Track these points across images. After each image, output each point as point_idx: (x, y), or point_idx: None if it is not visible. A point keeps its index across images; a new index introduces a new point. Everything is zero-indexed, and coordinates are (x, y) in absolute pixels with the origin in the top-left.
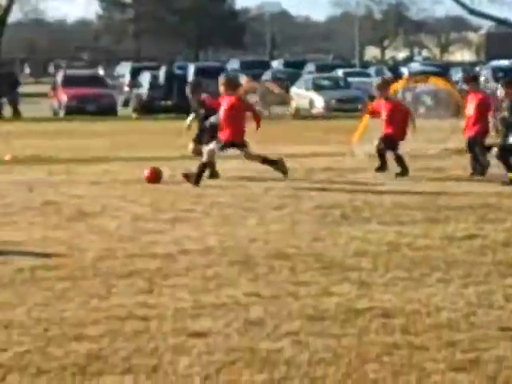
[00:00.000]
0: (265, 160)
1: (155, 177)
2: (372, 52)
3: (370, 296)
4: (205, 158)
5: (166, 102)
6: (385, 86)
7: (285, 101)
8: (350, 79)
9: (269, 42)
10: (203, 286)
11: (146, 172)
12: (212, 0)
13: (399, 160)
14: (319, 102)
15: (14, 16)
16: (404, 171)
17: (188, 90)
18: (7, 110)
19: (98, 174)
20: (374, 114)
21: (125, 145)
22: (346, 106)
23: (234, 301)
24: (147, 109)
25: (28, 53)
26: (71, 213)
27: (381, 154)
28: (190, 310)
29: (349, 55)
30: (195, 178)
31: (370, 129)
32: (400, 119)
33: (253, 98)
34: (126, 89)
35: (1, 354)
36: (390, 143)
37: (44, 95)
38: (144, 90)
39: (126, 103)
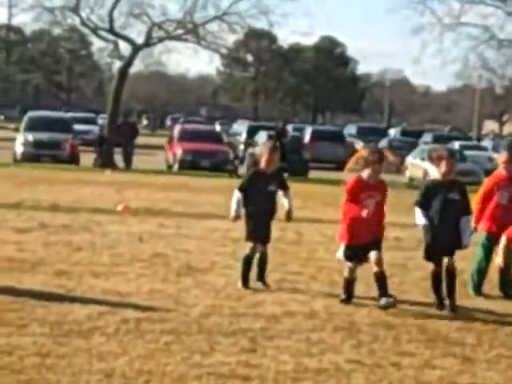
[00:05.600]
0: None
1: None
2: (490, 126)
3: (473, 372)
4: None
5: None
6: None
7: (399, 170)
8: (466, 152)
9: (387, 109)
10: (306, 349)
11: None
12: (334, 64)
13: None
14: (433, 173)
15: (135, 67)
16: None
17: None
18: (119, 160)
19: (209, 230)
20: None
21: None
22: (461, 179)
23: (336, 367)
24: None
25: (146, 105)
26: (180, 267)
27: None
28: (292, 373)
29: (466, 127)
30: None
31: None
32: None
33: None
34: (242, 147)
35: None
36: None
37: (160, 148)
38: None
39: (240, 161)
